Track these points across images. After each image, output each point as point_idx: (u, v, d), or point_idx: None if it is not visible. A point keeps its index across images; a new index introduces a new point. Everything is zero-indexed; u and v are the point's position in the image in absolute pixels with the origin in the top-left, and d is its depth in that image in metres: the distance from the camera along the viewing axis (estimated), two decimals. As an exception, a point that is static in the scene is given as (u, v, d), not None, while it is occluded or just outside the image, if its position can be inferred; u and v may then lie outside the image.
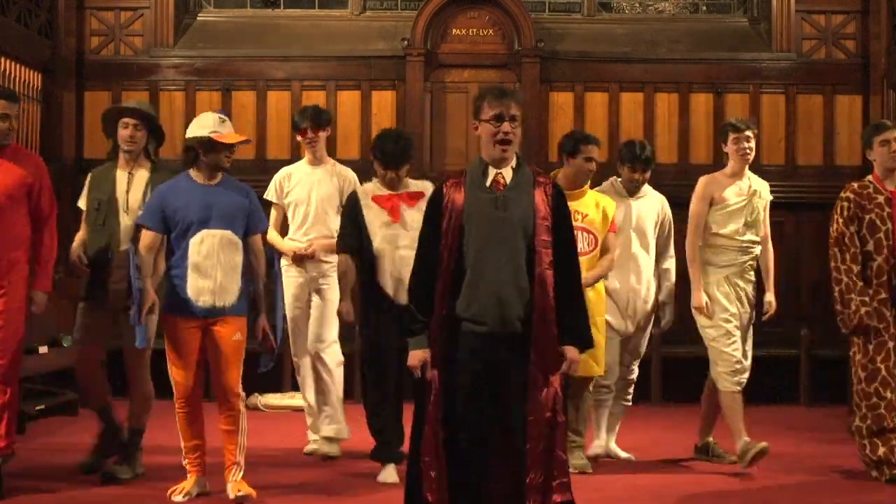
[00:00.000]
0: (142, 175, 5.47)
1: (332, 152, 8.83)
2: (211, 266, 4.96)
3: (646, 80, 9.08)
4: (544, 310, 4.10)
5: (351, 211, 5.64)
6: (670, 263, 6.24)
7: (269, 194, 6.27)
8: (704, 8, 9.65)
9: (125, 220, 5.37)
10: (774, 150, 9.07)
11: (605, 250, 5.77)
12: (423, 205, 5.15)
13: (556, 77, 9.04)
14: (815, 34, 9.17)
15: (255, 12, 9.54)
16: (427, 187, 5.60)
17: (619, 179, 6.15)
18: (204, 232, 4.97)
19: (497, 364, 4.12)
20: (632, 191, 6.09)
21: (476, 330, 4.10)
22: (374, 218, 5.57)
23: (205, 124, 5.06)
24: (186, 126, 5.27)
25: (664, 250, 6.21)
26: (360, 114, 9.05)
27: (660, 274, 6.20)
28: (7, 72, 7.98)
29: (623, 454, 6.17)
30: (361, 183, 6.01)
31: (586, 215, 5.74)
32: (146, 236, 5.06)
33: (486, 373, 4.12)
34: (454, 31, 9.04)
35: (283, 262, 6.23)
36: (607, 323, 5.92)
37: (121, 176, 5.47)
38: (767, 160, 8.97)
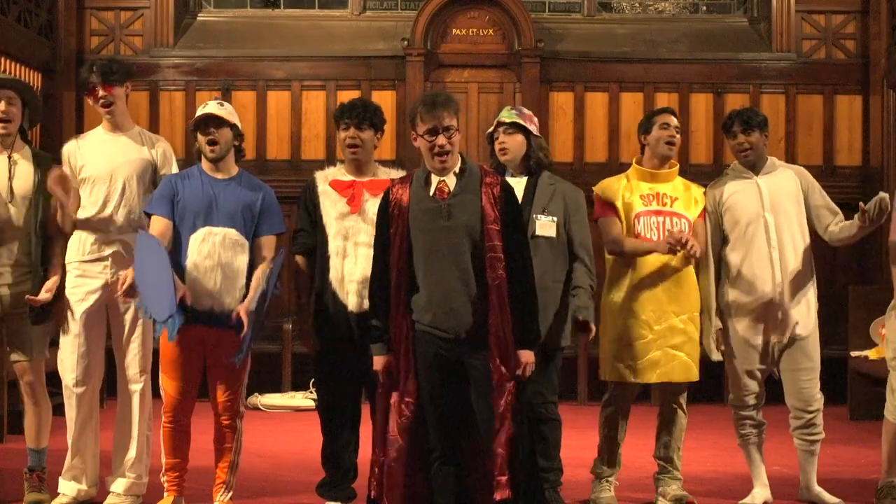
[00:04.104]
0: (24, 161, 4.81)
1: (331, 153, 8.90)
2: (210, 267, 4.51)
3: (646, 80, 9.09)
4: (501, 315, 4.09)
5: (307, 200, 4.83)
6: (839, 220, 5.05)
7: None
8: (704, 8, 9.67)
9: (11, 213, 4.75)
10: (774, 150, 9.02)
11: (696, 237, 4.93)
12: None
13: (556, 77, 9.04)
14: (815, 34, 9.17)
15: (255, 12, 9.55)
16: (399, 175, 4.78)
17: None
18: (206, 229, 4.54)
19: (459, 367, 4.14)
20: (750, 164, 5.11)
21: (434, 334, 4.12)
22: (330, 206, 4.76)
23: (202, 108, 4.74)
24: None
25: (826, 216, 5.08)
26: (360, 114, 9.06)
27: (833, 231, 5.04)
28: (7, 72, 7.96)
29: (830, 499, 5.16)
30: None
31: (676, 199, 4.97)
32: (156, 223, 4.57)
33: (448, 375, 4.15)
34: (454, 31, 9.04)
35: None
36: (736, 333, 5.07)
37: None
38: (767, 160, 9.01)
